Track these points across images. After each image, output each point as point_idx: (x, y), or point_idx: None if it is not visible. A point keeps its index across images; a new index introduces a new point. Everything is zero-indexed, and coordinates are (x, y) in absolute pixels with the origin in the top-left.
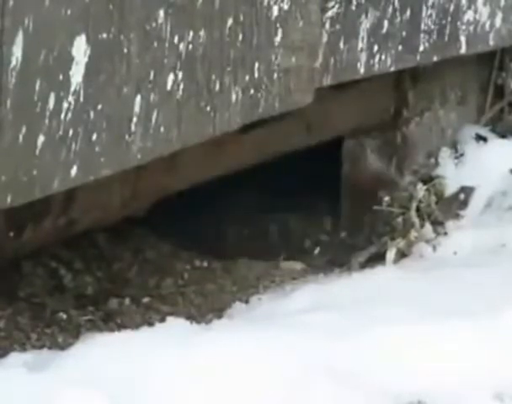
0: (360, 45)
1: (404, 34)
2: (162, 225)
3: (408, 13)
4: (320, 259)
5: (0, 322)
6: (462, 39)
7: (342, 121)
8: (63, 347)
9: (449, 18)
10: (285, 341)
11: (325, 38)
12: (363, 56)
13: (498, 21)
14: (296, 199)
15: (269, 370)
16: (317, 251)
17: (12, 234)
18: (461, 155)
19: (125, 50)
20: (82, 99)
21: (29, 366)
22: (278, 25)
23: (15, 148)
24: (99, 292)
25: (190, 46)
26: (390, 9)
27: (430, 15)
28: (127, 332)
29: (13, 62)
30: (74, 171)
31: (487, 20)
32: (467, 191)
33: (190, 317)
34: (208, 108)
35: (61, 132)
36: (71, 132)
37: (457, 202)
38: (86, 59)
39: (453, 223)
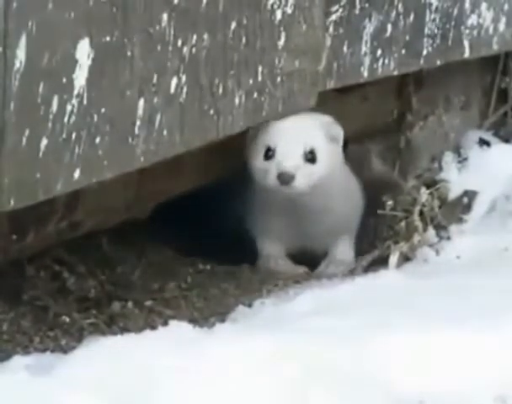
0: (364, 48)
1: (408, 38)
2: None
3: (412, 17)
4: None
5: (3, 325)
6: (466, 43)
7: (345, 125)
8: (66, 350)
9: (452, 23)
10: (288, 344)
11: (328, 42)
12: (366, 60)
13: (501, 25)
14: None
15: (272, 373)
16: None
17: (15, 236)
18: (465, 159)
19: (129, 54)
20: (85, 102)
21: (32, 369)
22: (281, 29)
23: (18, 151)
24: (102, 295)
25: (194, 50)
26: (393, 13)
27: (434, 19)
28: (130, 336)
29: (17, 65)
30: (77, 174)
31: (490, 24)
32: (471, 195)
33: (193, 321)
34: (211, 112)
35: (64, 135)
36: (74, 135)
37: (460, 206)
38: (89, 62)
39: (456, 227)
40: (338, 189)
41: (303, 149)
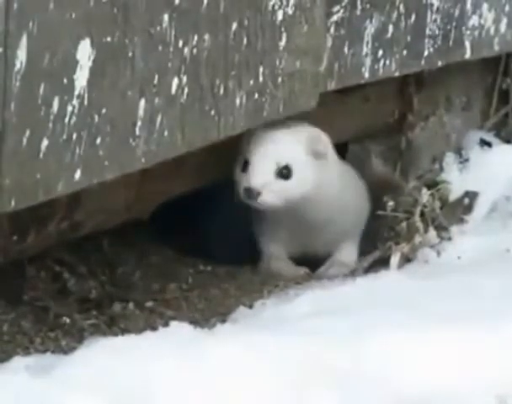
0: (365, 49)
1: (409, 38)
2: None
3: (413, 17)
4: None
5: (3, 326)
6: (467, 44)
7: (346, 126)
8: (66, 351)
9: (454, 23)
10: (289, 345)
11: (330, 42)
12: (367, 61)
13: (502, 26)
14: None
15: (272, 374)
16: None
17: (15, 237)
18: (466, 160)
19: (130, 54)
20: (86, 103)
21: (32, 370)
22: (282, 30)
23: (19, 151)
24: (103, 296)
25: (195, 50)
26: (395, 14)
27: (435, 20)
28: (130, 336)
29: (18, 65)
30: (78, 174)
31: (492, 25)
32: (472, 196)
33: (194, 322)
34: (212, 113)
35: (64, 136)
36: (75, 136)
37: (461, 207)
38: (90, 63)
39: (457, 228)
40: (339, 202)
41: (276, 165)
